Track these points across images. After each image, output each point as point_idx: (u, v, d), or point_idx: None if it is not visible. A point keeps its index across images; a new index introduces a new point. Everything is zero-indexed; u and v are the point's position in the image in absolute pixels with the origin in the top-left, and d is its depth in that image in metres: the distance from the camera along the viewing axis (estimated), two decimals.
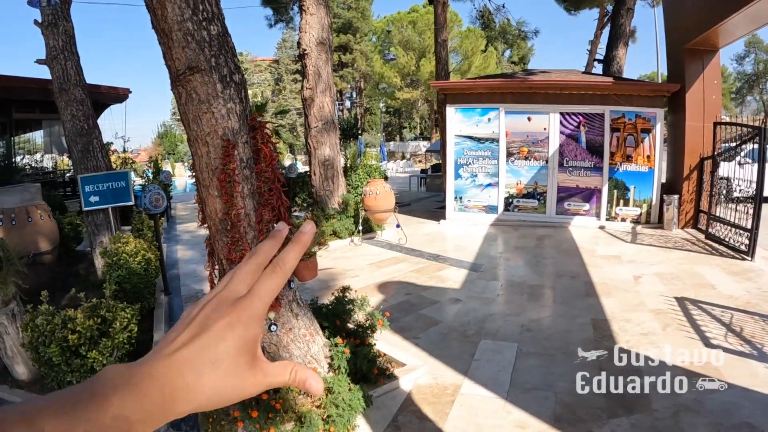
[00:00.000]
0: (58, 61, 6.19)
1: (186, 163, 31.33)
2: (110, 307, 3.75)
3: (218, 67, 2.63)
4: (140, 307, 4.99)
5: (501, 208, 9.12)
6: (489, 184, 9.19)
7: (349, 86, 42.93)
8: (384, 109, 39.60)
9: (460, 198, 9.42)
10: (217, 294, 0.38)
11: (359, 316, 3.78)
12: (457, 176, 9.38)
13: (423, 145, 33.78)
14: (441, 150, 11.51)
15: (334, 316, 3.62)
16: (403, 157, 34.17)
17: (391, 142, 38.53)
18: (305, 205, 10.23)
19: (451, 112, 9.21)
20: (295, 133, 35.86)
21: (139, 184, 10.99)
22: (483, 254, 7.08)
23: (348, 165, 10.64)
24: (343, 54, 38.12)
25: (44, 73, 6.52)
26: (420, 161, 30.78)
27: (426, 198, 14.07)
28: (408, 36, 31.23)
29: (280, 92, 39.44)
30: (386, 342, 3.96)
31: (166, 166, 30.72)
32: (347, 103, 45.78)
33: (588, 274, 5.87)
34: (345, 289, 4.01)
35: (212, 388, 0.35)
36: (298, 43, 7.98)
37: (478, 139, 9.11)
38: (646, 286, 5.28)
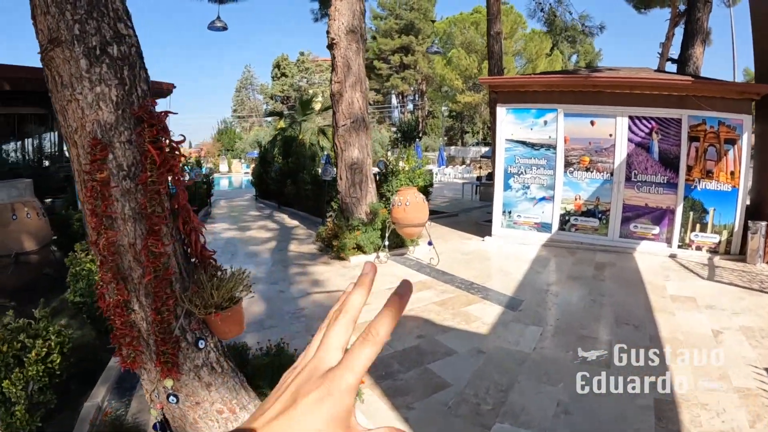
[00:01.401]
0: None
1: (244, 160, 32.08)
2: (37, 331, 3.15)
3: (84, 37, 1.81)
4: (105, 326, 4.47)
5: (555, 226, 7.72)
6: (543, 198, 7.83)
7: (411, 88, 42.13)
8: (447, 113, 38.27)
9: (509, 212, 8.14)
10: (310, 360, 0.37)
11: None
12: (507, 187, 8.11)
13: (485, 151, 32.05)
14: (492, 156, 10.26)
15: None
16: (463, 162, 32.61)
17: (452, 147, 37.03)
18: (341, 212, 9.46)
19: (502, 113, 7.96)
20: None
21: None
22: (527, 285, 5.84)
23: (390, 169, 9.70)
24: (405, 55, 37.45)
25: None
26: (480, 167, 29.11)
27: (477, 208, 12.77)
28: (470, 37, 29.80)
29: None
30: (367, 412, 2.98)
31: (223, 163, 31.72)
32: (410, 106, 45.01)
33: (655, 322, 4.51)
34: None
35: None
36: (327, 32, 7.18)
37: (532, 145, 7.79)
38: (728, 346, 3.91)
